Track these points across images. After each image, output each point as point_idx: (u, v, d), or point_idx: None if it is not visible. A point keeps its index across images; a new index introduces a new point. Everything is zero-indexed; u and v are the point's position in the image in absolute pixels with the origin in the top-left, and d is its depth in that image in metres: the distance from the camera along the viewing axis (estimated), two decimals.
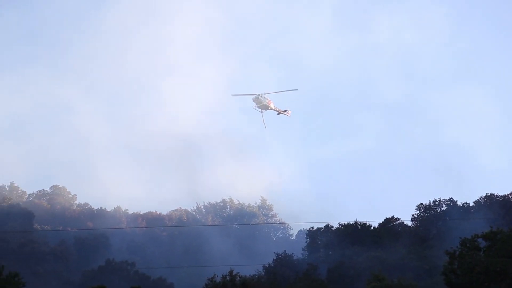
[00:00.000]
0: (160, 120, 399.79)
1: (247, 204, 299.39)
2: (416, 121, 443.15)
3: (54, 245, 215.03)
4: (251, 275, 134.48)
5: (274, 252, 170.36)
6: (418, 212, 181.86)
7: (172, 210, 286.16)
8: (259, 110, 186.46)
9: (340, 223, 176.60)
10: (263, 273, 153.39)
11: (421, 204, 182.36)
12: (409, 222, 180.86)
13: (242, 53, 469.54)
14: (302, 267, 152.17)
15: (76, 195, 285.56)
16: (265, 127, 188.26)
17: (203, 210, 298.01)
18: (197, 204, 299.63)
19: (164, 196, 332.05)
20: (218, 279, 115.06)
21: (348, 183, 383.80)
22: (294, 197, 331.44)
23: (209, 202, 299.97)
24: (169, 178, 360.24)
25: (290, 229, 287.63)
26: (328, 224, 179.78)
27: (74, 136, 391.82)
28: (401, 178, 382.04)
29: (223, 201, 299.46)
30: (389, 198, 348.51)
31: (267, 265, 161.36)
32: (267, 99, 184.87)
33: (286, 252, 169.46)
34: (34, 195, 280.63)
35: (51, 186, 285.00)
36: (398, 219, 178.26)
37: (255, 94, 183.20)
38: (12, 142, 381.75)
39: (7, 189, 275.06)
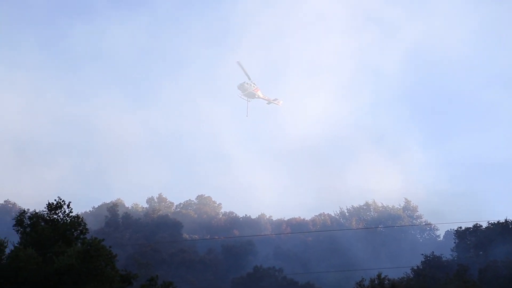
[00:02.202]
0: (293, 122, 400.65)
1: (390, 206, 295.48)
2: None
3: (202, 253, 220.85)
4: (400, 277, 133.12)
5: (422, 254, 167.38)
6: None
7: (315, 215, 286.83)
8: (245, 98, 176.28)
9: (490, 222, 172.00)
10: (411, 276, 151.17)
11: None
12: None
13: (362, 40, 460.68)
14: (452, 268, 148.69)
15: (221, 204, 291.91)
16: (247, 116, 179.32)
17: (347, 214, 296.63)
18: (340, 208, 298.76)
19: (305, 201, 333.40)
20: (366, 283, 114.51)
21: (493, 179, 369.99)
22: (437, 196, 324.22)
23: (352, 205, 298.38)
24: (309, 183, 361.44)
25: (437, 229, 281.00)
26: (476, 224, 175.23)
27: (216, 145, 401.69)
28: None
29: (366, 204, 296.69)
30: None
31: (416, 267, 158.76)
32: (254, 86, 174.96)
33: (434, 254, 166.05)
34: (182, 206, 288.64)
35: (197, 196, 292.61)
36: None
37: (241, 82, 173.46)
38: (157, 157, 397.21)
39: (156, 200, 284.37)
